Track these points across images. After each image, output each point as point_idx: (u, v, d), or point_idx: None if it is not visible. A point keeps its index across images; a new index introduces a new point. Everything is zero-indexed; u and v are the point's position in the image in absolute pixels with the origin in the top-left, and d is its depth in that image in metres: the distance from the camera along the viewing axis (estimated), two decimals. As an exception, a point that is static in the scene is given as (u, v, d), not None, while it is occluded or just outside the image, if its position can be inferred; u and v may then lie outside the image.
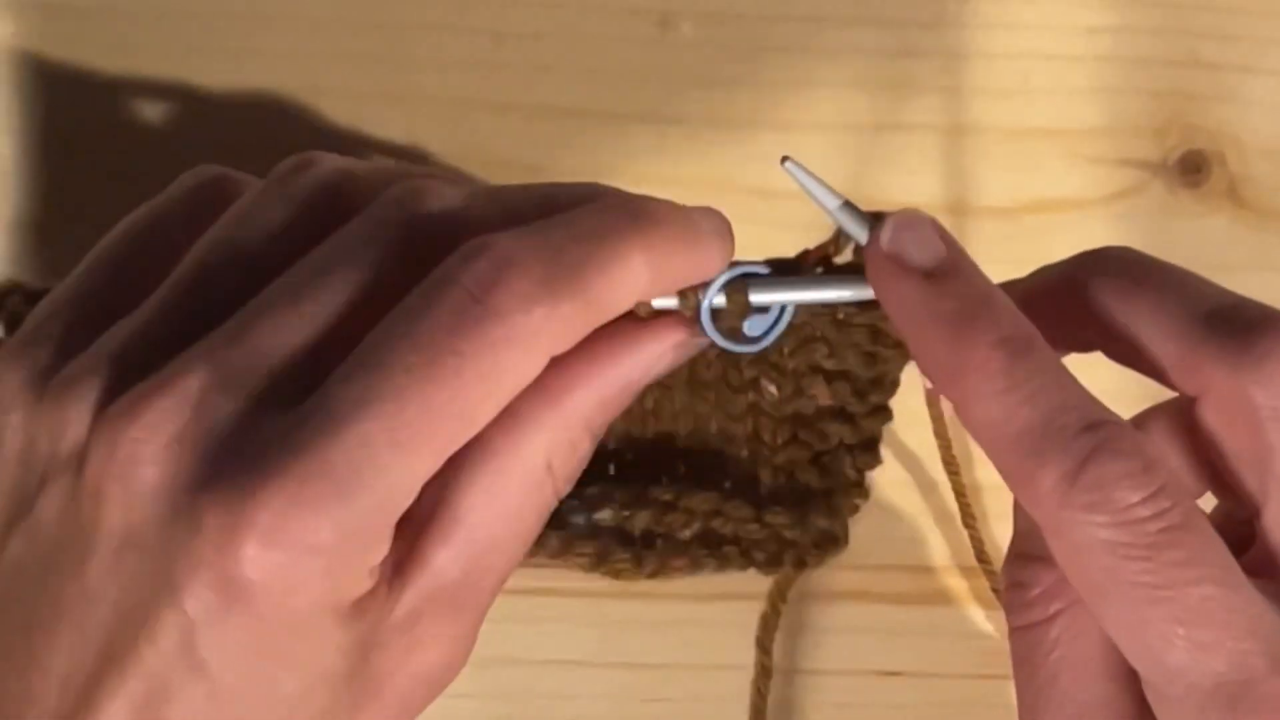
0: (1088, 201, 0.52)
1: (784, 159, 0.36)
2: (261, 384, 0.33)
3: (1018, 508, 0.36)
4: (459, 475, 0.34)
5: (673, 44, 0.51)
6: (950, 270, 0.35)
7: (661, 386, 0.48)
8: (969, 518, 0.49)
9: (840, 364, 0.47)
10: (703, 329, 0.37)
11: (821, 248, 0.38)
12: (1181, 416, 0.36)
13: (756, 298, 0.37)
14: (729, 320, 0.37)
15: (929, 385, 0.46)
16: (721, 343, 0.37)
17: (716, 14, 0.51)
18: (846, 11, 0.51)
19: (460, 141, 0.50)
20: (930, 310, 0.34)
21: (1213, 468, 0.36)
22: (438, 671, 0.36)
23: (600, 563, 0.48)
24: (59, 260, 0.41)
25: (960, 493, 0.49)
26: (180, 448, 0.33)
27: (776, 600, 0.49)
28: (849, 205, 0.36)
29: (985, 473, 0.50)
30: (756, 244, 0.38)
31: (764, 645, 0.49)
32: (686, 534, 0.48)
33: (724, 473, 0.49)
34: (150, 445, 0.33)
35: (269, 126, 0.49)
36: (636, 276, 0.34)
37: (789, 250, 0.39)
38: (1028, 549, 0.36)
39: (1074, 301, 0.37)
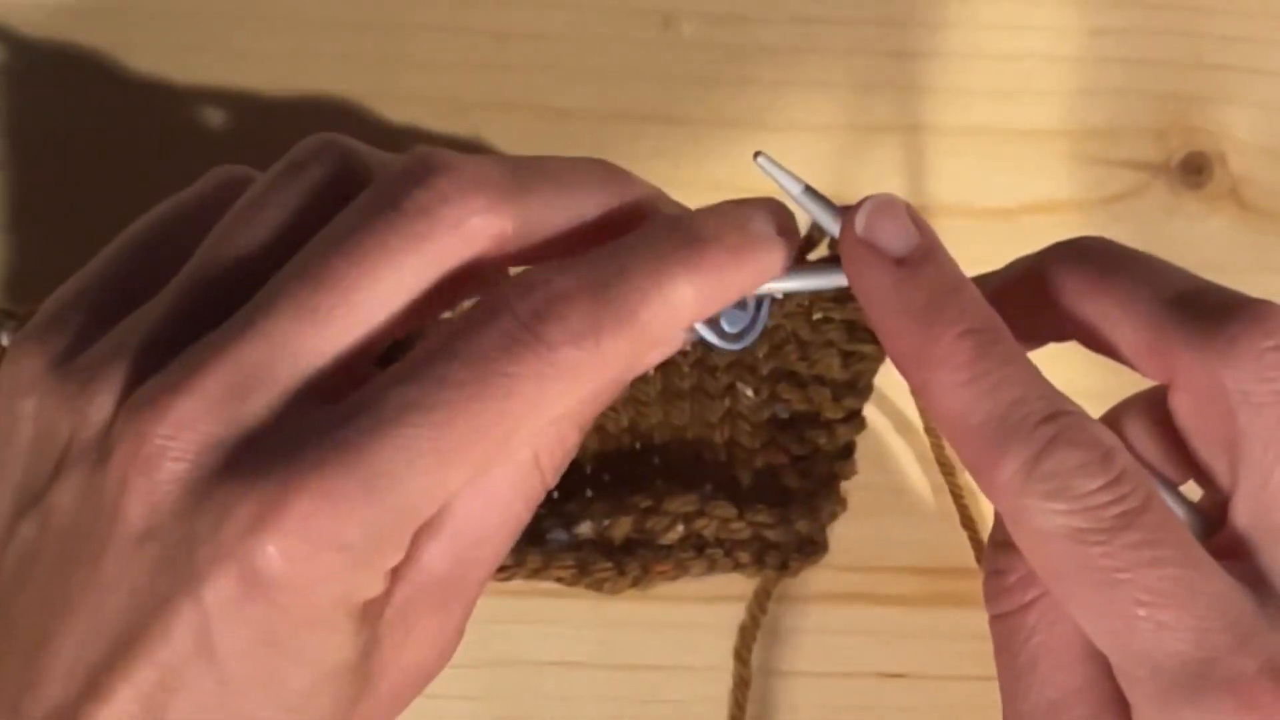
0: (1089, 203, 0.52)
1: (756, 154, 0.36)
2: (289, 376, 0.33)
3: None
4: None
5: (674, 44, 0.51)
6: (922, 258, 0.35)
7: (637, 402, 0.48)
8: (967, 520, 0.49)
9: (814, 368, 0.47)
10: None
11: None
12: (1158, 406, 0.37)
13: None
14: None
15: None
16: (708, 337, 0.37)
17: (717, 14, 0.51)
18: (848, 12, 0.51)
19: (460, 142, 0.50)
20: (900, 300, 0.35)
21: (1189, 455, 0.36)
22: (428, 664, 0.36)
23: (582, 575, 0.47)
24: (58, 260, 0.40)
25: (958, 495, 0.49)
26: (207, 441, 0.33)
27: (755, 610, 0.49)
28: (811, 190, 0.36)
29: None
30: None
31: (742, 656, 0.49)
32: (669, 538, 0.48)
33: (703, 478, 0.49)
34: (177, 441, 0.33)
35: (268, 126, 0.49)
36: (685, 306, 0.35)
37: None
38: (1006, 536, 0.36)
39: (1047, 292, 0.37)
